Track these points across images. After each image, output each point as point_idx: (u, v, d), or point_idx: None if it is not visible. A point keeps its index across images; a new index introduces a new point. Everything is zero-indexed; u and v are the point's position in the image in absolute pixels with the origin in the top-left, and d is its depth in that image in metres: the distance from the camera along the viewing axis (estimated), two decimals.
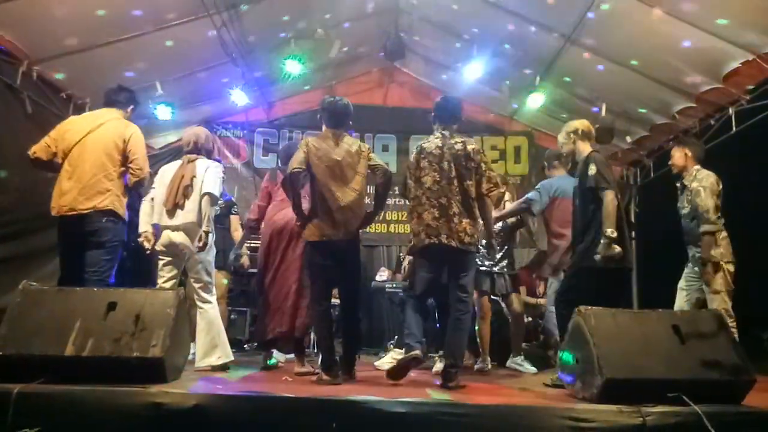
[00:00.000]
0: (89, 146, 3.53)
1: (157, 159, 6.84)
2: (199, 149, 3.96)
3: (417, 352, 3.26)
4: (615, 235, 3.22)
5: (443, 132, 3.55)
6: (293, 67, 6.05)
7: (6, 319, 2.57)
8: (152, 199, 3.85)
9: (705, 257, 3.96)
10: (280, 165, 4.31)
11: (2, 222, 4.66)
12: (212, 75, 6.20)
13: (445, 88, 7.42)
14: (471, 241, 3.37)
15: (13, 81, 4.75)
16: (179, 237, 3.72)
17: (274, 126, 7.60)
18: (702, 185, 4.09)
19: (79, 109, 5.34)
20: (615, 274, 3.36)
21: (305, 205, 3.53)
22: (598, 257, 3.26)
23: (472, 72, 6.30)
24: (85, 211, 3.42)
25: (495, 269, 4.66)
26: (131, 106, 3.88)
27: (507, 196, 4.85)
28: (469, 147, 3.46)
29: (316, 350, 4.78)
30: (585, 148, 3.62)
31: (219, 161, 4.22)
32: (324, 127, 3.61)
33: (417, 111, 7.62)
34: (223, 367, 3.68)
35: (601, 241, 3.25)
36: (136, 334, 2.55)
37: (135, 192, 3.82)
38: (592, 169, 3.40)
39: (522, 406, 2.52)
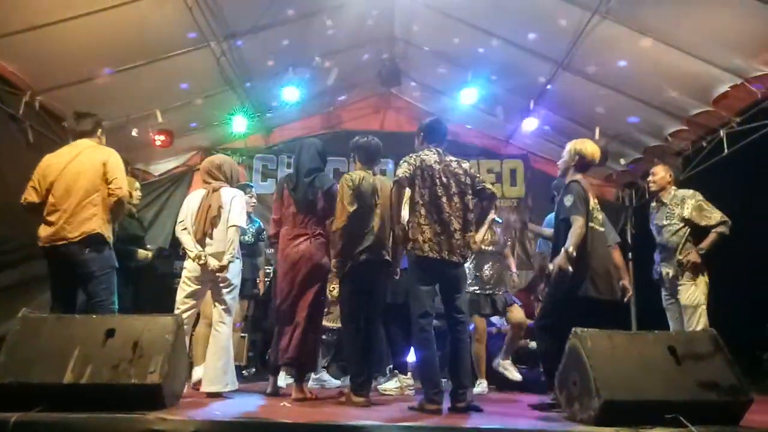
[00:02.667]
0: (70, 177, 3.49)
1: (157, 186, 6.94)
2: (224, 178, 3.98)
3: (437, 407, 3.14)
4: (573, 253, 3.18)
5: (438, 149, 3.60)
6: (291, 95, 6.16)
7: (5, 347, 2.57)
8: (184, 229, 3.84)
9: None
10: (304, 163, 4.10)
11: (2, 250, 4.68)
12: (211, 103, 6.30)
13: (441, 113, 7.50)
14: (469, 255, 3.52)
15: (16, 111, 4.83)
16: (211, 263, 3.73)
17: (272, 152, 7.68)
18: (696, 199, 4.24)
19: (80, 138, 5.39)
20: (592, 305, 3.29)
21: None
22: (551, 265, 3.30)
23: (468, 97, 6.42)
24: (74, 240, 3.38)
25: (491, 291, 4.68)
26: (99, 130, 3.80)
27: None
28: (464, 164, 3.58)
29: (314, 376, 4.77)
30: (572, 176, 3.54)
31: (252, 186, 4.83)
32: (358, 164, 3.90)
33: (413, 136, 7.74)
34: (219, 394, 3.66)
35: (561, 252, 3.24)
36: (134, 360, 2.54)
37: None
38: (569, 201, 3.37)
39: (519, 429, 2.52)
